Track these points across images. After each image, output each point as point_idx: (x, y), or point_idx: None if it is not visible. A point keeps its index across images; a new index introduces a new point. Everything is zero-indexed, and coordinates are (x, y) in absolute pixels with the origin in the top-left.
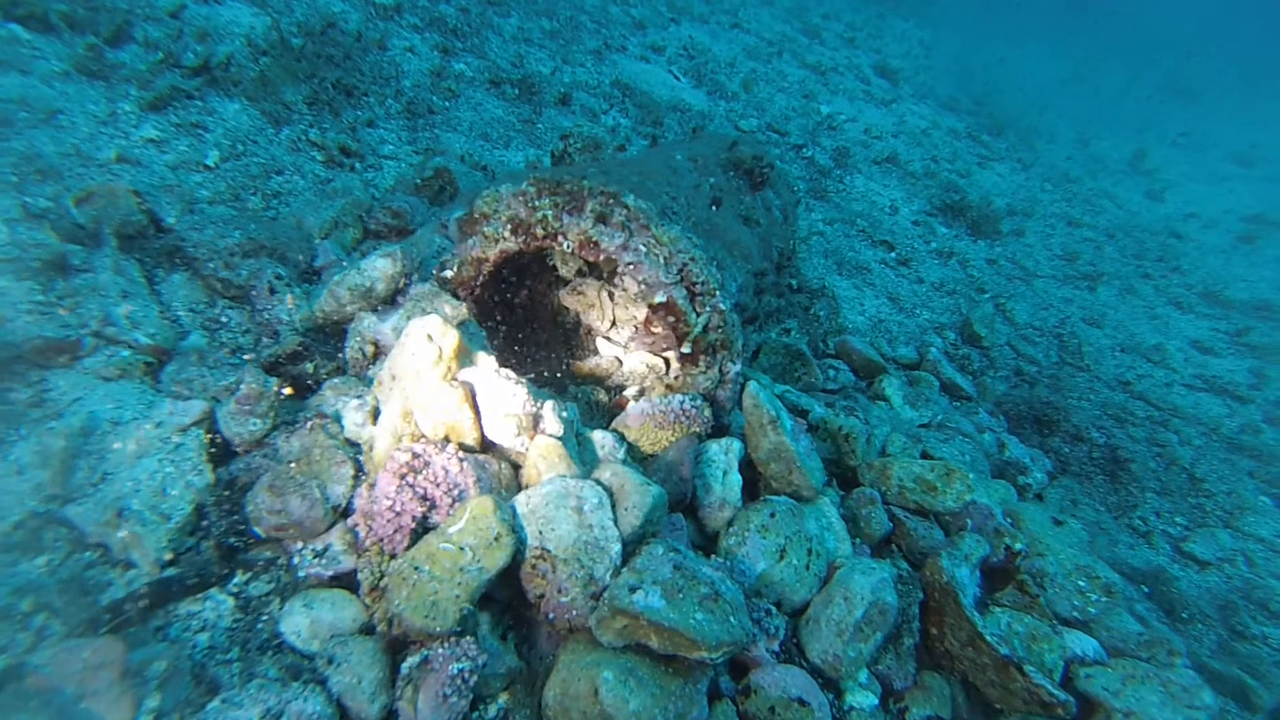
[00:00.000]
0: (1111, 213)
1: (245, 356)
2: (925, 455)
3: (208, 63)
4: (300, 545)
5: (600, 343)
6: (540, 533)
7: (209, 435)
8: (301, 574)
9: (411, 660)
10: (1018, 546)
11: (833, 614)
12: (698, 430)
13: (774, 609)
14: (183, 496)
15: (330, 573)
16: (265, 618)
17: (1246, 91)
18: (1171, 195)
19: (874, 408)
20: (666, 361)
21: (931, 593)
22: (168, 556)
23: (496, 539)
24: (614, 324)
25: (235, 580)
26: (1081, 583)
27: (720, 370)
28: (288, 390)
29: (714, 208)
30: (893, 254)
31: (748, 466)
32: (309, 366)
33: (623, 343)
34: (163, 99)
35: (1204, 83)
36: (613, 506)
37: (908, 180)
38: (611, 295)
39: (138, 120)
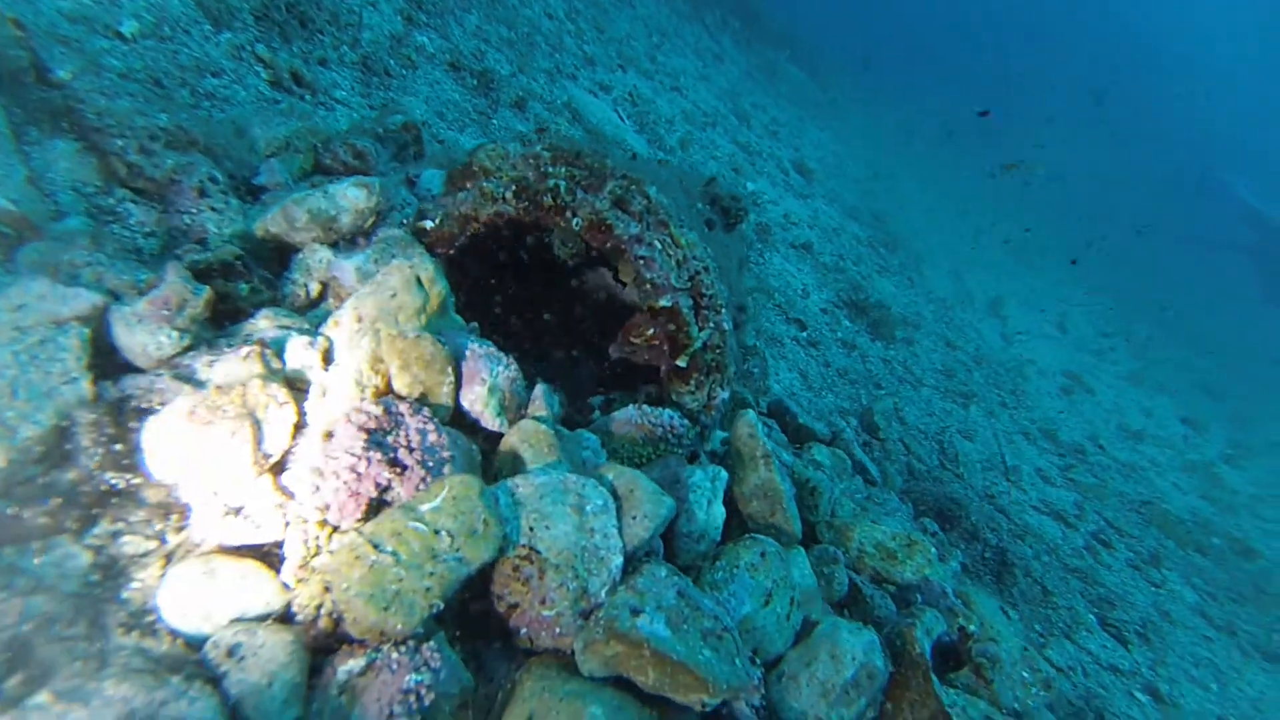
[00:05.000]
0: (977, 343)
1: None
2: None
3: None
4: (209, 496)
5: None
6: (531, 529)
7: (95, 337)
8: (202, 535)
9: (352, 664)
10: (972, 628)
11: (817, 672)
12: (680, 452)
13: (754, 657)
14: (40, 408)
15: (244, 539)
16: (135, 585)
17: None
18: (1018, 341)
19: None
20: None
21: (899, 665)
22: None
23: (483, 526)
24: None
25: (96, 530)
26: (1025, 674)
27: (709, 394)
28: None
29: (708, 230)
30: (804, 333)
31: (726, 502)
32: (243, 287)
33: None
34: None
35: (1039, 256)
36: (617, 512)
37: (819, 270)
38: None
39: None
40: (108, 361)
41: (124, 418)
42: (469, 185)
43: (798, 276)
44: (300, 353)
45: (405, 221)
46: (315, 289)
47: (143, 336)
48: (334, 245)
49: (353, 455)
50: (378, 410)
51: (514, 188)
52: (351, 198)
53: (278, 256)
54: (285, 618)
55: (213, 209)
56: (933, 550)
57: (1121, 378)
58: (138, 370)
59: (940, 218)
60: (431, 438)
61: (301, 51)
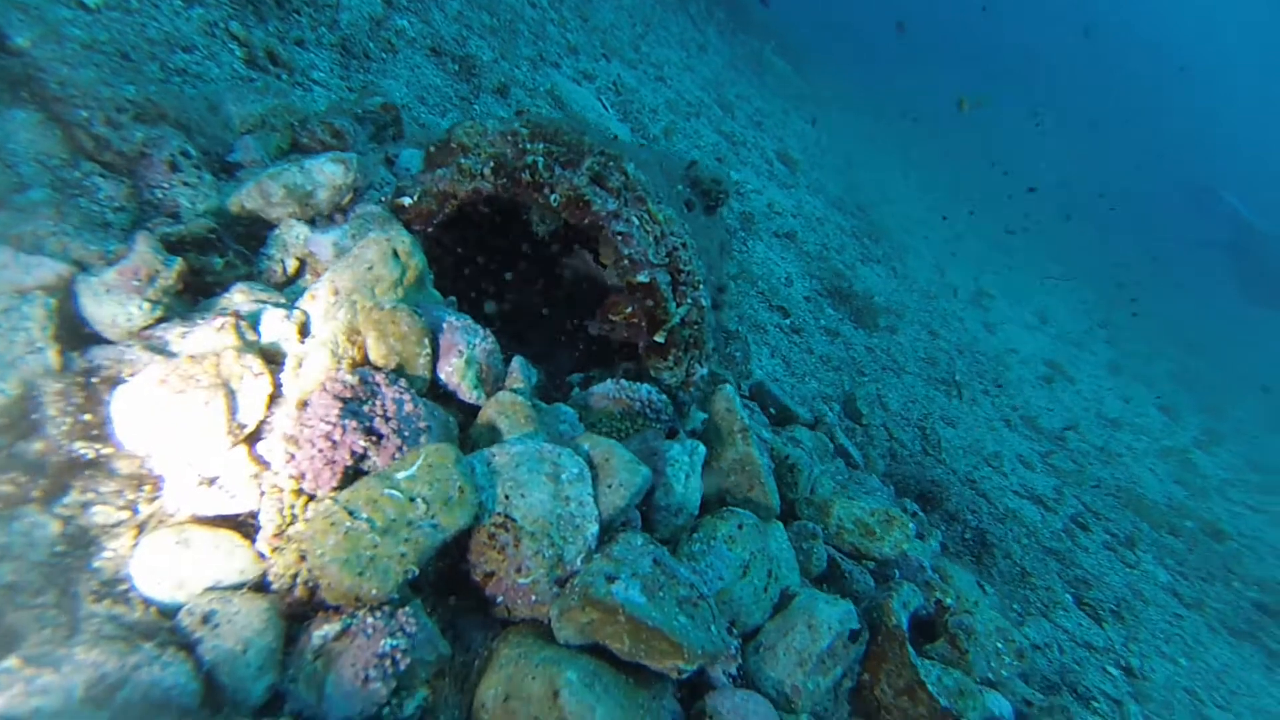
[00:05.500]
0: (960, 333)
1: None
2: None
3: None
4: (183, 466)
5: None
6: (507, 498)
7: (61, 308)
8: (175, 506)
9: (328, 629)
10: (948, 601)
11: (794, 642)
12: (658, 427)
13: (731, 628)
14: (2, 377)
15: (218, 509)
16: (106, 555)
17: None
18: (1000, 331)
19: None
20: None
21: (876, 636)
22: None
23: (458, 494)
24: None
25: (66, 500)
26: (999, 644)
27: (687, 370)
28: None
29: (687, 210)
30: (787, 320)
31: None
32: (217, 261)
33: None
34: None
35: (1022, 250)
36: (593, 481)
37: (803, 258)
38: None
39: None
40: (75, 333)
41: (93, 388)
42: (447, 162)
43: (781, 265)
44: (276, 325)
45: (384, 199)
46: (292, 265)
47: (111, 307)
48: (311, 222)
49: (328, 423)
50: (353, 380)
51: (492, 164)
52: (328, 173)
53: (254, 233)
54: (261, 586)
55: (185, 184)
56: (910, 526)
57: (1101, 367)
58: (107, 342)
59: (924, 209)
60: (408, 407)
61: (278, 31)
